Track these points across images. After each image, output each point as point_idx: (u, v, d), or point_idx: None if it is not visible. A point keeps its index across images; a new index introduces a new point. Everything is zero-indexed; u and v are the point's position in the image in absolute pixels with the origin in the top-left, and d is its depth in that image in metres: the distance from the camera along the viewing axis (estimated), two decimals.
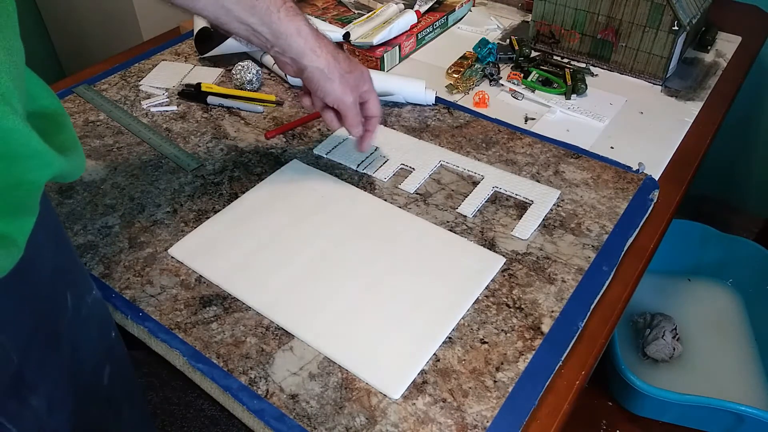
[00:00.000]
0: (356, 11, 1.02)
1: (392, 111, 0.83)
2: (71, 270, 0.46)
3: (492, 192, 0.69)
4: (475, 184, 0.70)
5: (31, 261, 0.37)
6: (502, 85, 0.88)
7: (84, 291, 0.47)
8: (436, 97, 0.83)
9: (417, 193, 0.70)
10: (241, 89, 0.86)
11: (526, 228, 0.65)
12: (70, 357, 0.45)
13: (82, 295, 0.46)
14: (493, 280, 0.60)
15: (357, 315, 0.56)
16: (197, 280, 0.60)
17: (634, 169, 0.73)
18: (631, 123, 0.82)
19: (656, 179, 0.72)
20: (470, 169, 0.72)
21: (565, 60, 0.94)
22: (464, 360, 0.53)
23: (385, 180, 0.71)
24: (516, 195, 0.69)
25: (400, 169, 0.73)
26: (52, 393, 0.43)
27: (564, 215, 0.67)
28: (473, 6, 1.10)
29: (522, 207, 0.68)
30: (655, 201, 0.69)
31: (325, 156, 0.75)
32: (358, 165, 0.73)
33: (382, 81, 0.83)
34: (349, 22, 0.95)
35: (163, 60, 0.94)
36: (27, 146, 0.32)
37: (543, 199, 0.68)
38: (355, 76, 0.63)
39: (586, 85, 0.87)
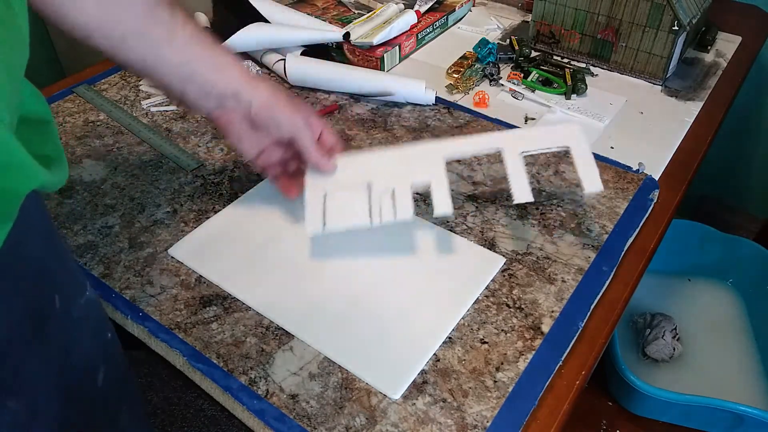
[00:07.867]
0: (356, 11, 1.02)
1: (392, 111, 0.83)
2: (60, 272, 0.45)
3: (520, 157, 0.61)
4: (476, 184, 0.70)
5: (13, 263, 0.37)
6: (502, 85, 0.88)
7: (75, 293, 0.46)
8: (436, 97, 0.83)
9: (417, 194, 0.70)
10: None
11: (592, 176, 0.59)
12: (59, 360, 0.43)
13: (72, 297, 0.45)
14: (493, 280, 0.60)
15: (357, 315, 0.56)
16: (197, 280, 0.60)
17: (634, 169, 0.73)
18: (631, 123, 0.82)
19: (656, 179, 0.72)
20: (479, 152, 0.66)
21: (565, 60, 0.94)
22: (464, 360, 0.53)
23: None
24: (545, 151, 0.62)
25: None
26: (35, 397, 0.42)
27: (564, 215, 0.67)
28: (473, 6, 1.10)
29: (522, 207, 0.68)
30: (655, 201, 0.69)
31: None
32: None
33: (382, 81, 0.83)
34: (349, 22, 0.95)
35: None
36: (11, 156, 0.31)
37: (573, 140, 0.62)
38: (297, 102, 0.59)
39: (586, 85, 0.87)
